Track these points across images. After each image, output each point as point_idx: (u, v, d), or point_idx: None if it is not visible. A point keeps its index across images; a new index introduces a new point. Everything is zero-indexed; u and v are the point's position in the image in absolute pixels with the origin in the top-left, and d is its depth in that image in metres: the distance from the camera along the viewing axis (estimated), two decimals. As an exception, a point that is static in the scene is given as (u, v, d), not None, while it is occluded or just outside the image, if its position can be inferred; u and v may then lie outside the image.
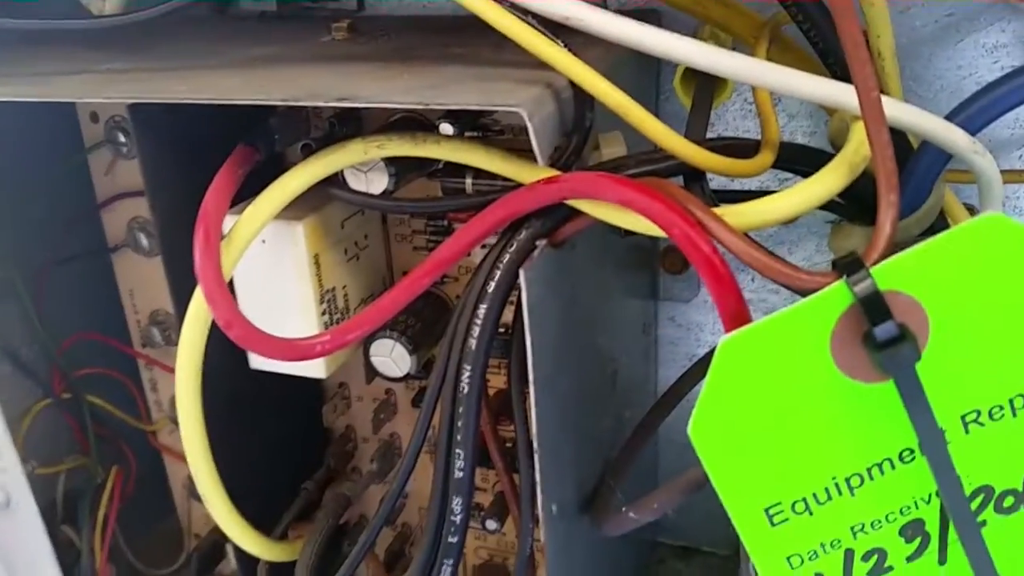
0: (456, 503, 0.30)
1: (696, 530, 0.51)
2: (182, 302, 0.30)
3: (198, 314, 0.29)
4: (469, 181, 0.31)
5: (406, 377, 0.35)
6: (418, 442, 0.31)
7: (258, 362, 0.34)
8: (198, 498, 0.47)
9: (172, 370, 0.43)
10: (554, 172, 0.27)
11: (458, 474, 0.30)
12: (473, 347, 0.28)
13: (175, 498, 0.49)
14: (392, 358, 0.34)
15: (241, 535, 0.35)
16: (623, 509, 0.31)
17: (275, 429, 0.38)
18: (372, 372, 0.39)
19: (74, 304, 0.44)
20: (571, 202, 0.27)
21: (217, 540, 0.48)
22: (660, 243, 0.44)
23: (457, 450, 0.30)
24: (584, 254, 0.32)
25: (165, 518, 0.52)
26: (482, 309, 0.28)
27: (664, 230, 0.24)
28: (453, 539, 0.31)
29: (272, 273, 0.32)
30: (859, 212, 0.32)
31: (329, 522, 0.38)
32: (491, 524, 0.38)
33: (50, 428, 0.43)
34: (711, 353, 0.25)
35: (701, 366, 0.41)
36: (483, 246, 0.29)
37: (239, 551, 0.37)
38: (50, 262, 0.42)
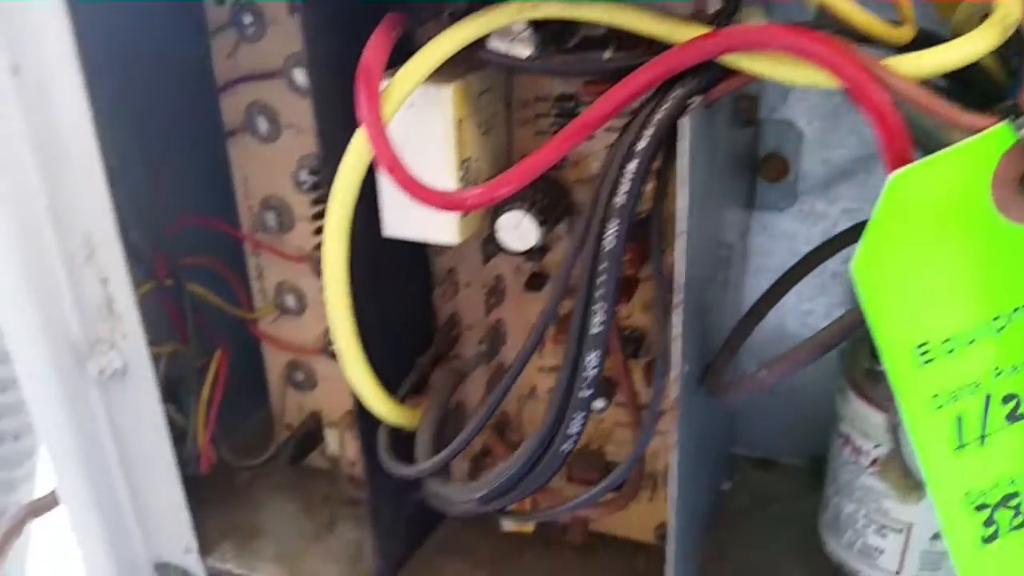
0: (591, 357, 0.31)
1: (773, 441, 0.52)
2: (330, 164, 0.31)
3: (354, 167, 0.31)
4: (608, 54, 0.32)
5: (528, 253, 0.36)
6: (553, 305, 0.32)
7: (393, 228, 0.35)
8: (296, 385, 0.49)
9: (282, 255, 0.45)
10: (709, 29, 0.28)
11: (596, 329, 0.31)
12: (619, 203, 0.30)
13: (270, 388, 0.50)
14: (519, 231, 0.35)
15: (373, 396, 0.36)
16: (756, 371, 0.32)
17: (391, 305, 0.39)
18: (492, 250, 0.40)
19: (186, 189, 0.46)
20: (728, 61, 0.28)
21: (311, 429, 0.50)
22: (760, 150, 0.45)
23: (595, 306, 0.31)
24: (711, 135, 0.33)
25: (256, 411, 0.53)
26: (632, 165, 0.29)
27: (836, 74, 0.25)
28: (585, 393, 0.32)
29: (417, 136, 0.33)
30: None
31: (447, 393, 0.39)
32: (598, 403, 0.40)
33: (151, 312, 0.44)
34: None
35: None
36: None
37: (362, 419, 0.39)
38: (166, 146, 0.43)
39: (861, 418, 0.41)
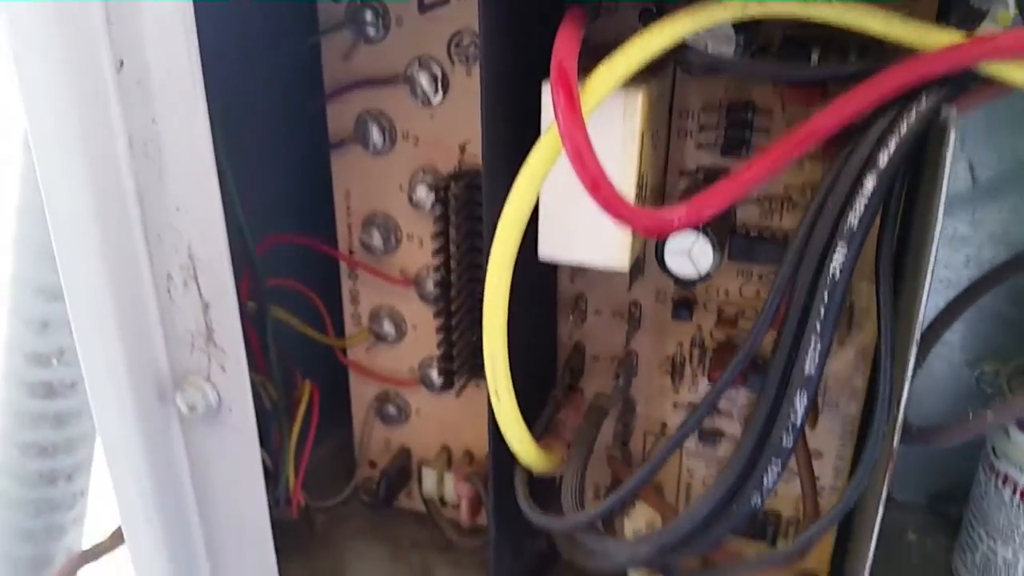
0: (799, 400, 0.28)
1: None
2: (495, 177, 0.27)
3: (534, 178, 0.27)
4: (815, 57, 0.28)
5: (698, 281, 0.32)
6: (759, 334, 0.28)
7: (551, 251, 0.31)
8: (384, 419, 0.45)
9: (385, 277, 0.41)
10: (962, 36, 0.25)
11: (808, 369, 0.27)
12: (851, 226, 0.26)
13: (354, 422, 0.46)
14: (691, 255, 0.32)
15: (522, 439, 0.32)
16: (981, 413, 0.28)
17: (523, 335, 0.35)
18: (636, 274, 0.37)
19: (277, 204, 0.41)
20: (987, 70, 0.25)
21: (403, 465, 0.45)
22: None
23: (813, 339, 0.27)
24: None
25: (330, 446, 0.49)
26: (870, 182, 0.26)
27: None
28: (787, 441, 0.28)
29: (596, 146, 0.29)
30: None
31: (593, 433, 0.35)
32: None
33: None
34: None
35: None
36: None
37: (498, 462, 0.35)
38: (260, 156, 0.39)
39: (1025, 457, 0.37)
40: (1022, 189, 0.40)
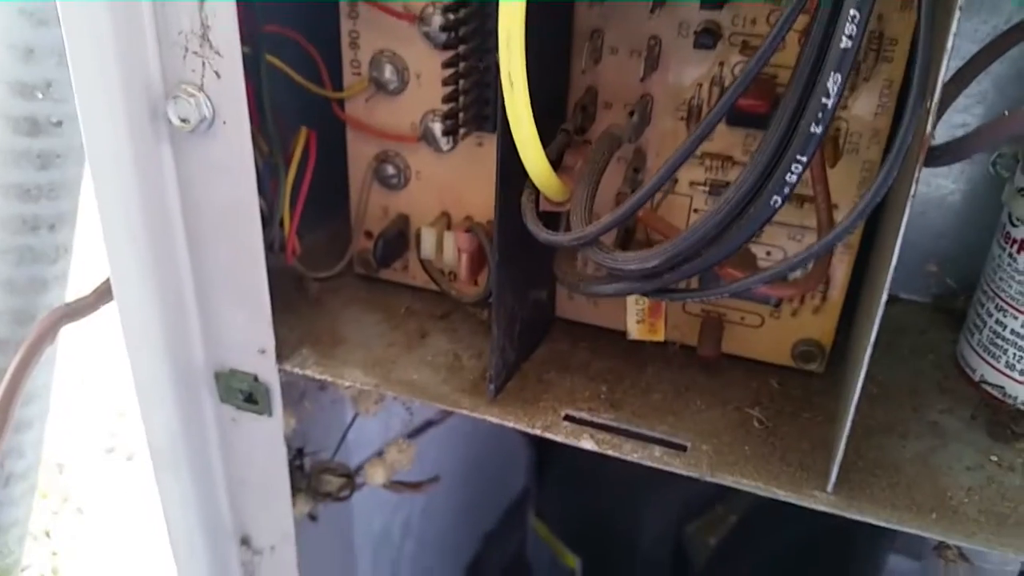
0: (832, 80, 0.26)
1: (895, 277, 0.48)
2: None
3: None
4: None
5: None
6: (782, 29, 0.27)
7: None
8: (383, 181, 0.43)
9: (385, 10, 0.39)
10: None
11: (845, 42, 0.26)
12: None
13: (352, 185, 0.44)
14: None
15: (534, 150, 0.30)
16: (1017, 109, 0.27)
17: (536, 64, 0.33)
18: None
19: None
20: None
21: (401, 231, 0.44)
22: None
23: (852, 10, 0.25)
24: None
25: (326, 218, 0.47)
26: None
27: None
28: (817, 128, 0.27)
29: None
30: None
31: (604, 156, 0.34)
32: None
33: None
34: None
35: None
36: None
37: (505, 184, 0.33)
38: None
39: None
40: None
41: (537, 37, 0.31)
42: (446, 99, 0.38)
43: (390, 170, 0.43)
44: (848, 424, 0.32)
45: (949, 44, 0.26)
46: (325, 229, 0.48)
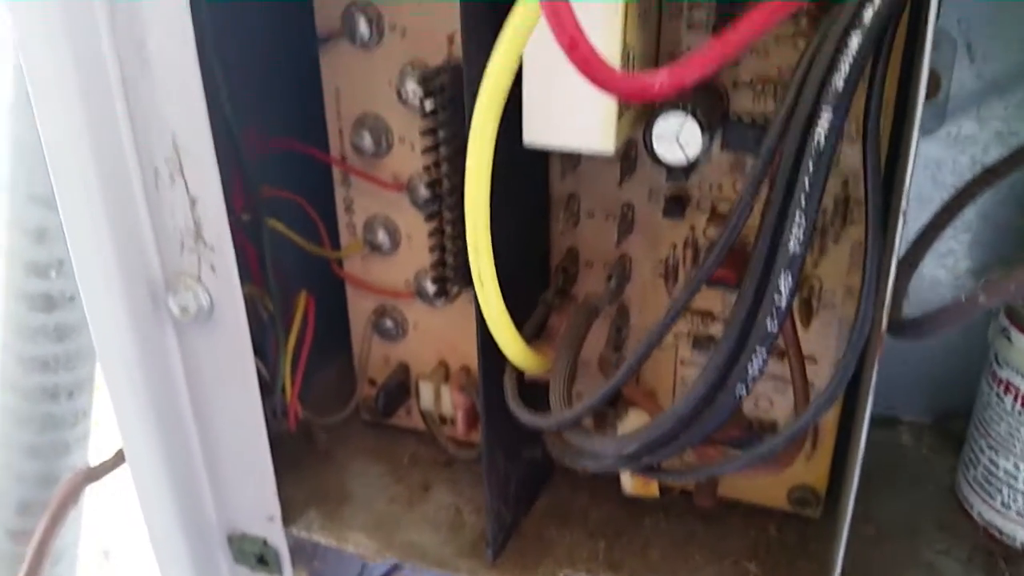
0: (784, 281, 0.27)
1: (894, 397, 0.48)
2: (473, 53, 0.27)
3: (512, 49, 0.26)
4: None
5: (689, 168, 0.31)
6: (740, 215, 0.28)
7: (536, 135, 0.31)
8: (382, 334, 0.45)
9: (377, 182, 0.41)
10: None
11: (793, 246, 0.27)
12: (837, 89, 0.25)
13: (353, 338, 0.46)
14: (680, 140, 0.31)
15: (510, 337, 0.32)
16: (972, 295, 0.27)
17: (513, 235, 0.35)
18: (628, 167, 0.36)
19: (268, 108, 0.41)
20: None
21: (402, 381, 0.45)
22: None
23: (797, 214, 0.26)
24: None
25: (331, 364, 0.49)
26: (854, 40, 0.25)
27: None
28: (772, 325, 0.27)
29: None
30: None
31: (582, 331, 0.35)
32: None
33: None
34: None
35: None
36: None
37: (487, 365, 0.34)
38: (246, 55, 0.39)
39: (1029, 361, 0.36)
40: (1029, 82, 0.39)
41: (515, 208, 0.32)
42: (434, 265, 0.39)
43: (388, 323, 0.44)
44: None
45: (907, 185, 0.27)
46: (332, 369, 0.49)
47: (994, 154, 0.41)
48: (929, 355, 0.47)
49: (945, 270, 0.44)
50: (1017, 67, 0.39)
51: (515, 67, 0.27)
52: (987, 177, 0.38)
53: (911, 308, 0.39)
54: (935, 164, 0.42)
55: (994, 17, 0.38)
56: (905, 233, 0.38)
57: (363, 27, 0.37)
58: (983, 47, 0.39)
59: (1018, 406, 0.37)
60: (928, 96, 0.40)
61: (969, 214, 0.43)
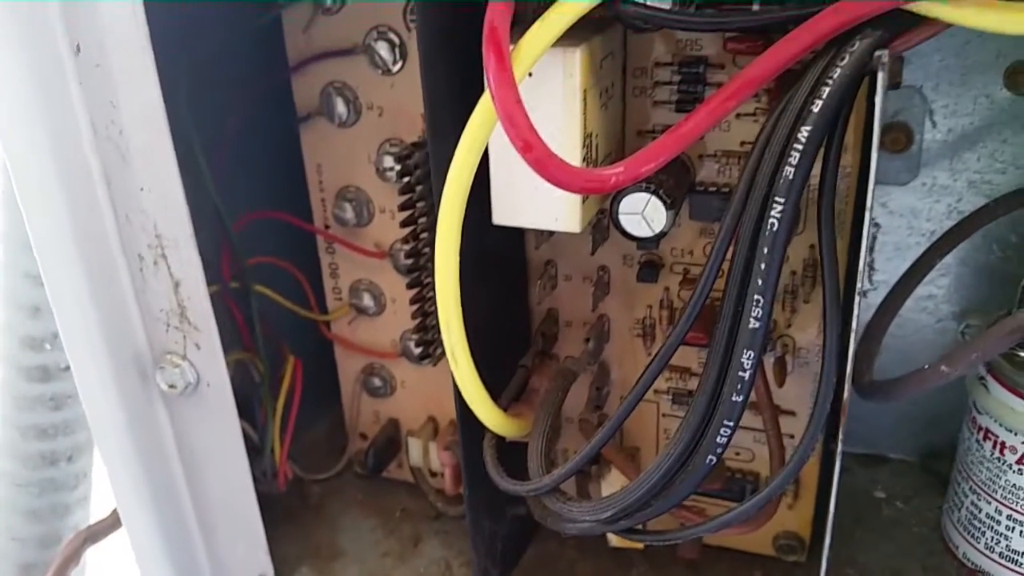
0: (746, 357, 0.28)
1: (880, 437, 0.48)
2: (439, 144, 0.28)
3: (474, 143, 0.27)
4: (755, 6, 0.28)
5: (657, 238, 0.32)
6: (703, 292, 0.28)
7: (504, 216, 0.31)
8: (372, 392, 0.46)
9: (360, 251, 0.41)
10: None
11: (752, 324, 0.27)
12: (788, 177, 0.26)
13: (343, 396, 0.47)
14: (644, 215, 0.32)
15: (483, 405, 0.32)
16: (935, 364, 0.28)
17: (490, 303, 0.35)
18: (600, 238, 0.37)
19: (252, 182, 0.42)
20: (923, 8, 0.24)
21: (392, 436, 0.46)
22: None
23: (755, 296, 0.27)
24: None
25: (323, 420, 0.50)
26: (804, 132, 0.25)
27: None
28: (737, 398, 0.28)
29: (536, 109, 0.29)
30: None
31: (559, 396, 0.35)
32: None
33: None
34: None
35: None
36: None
37: (466, 430, 0.35)
38: (229, 134, 0.40)
39: (1005, 410, 0.37)
40: (998, 133, 0.40)
41: (490, 279, 0.33)
42: (417, 329, 0.40)
43: (377, 381, 0.45)
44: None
45: (862, 261, 0.28)
46: (324, 424, 0.50)
47: (969, 202, 0.41)
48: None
49: (927, 314, 0.45)
50: (984, 120, 0.40)
51: (476, 163, 0.28)
52: (954, 237, 0.39)
53: (893, 354, 0.40)
54: (911, 213, 0.43)
55: (962, 72, 0.39)
56: (885, 279, 0.39)
57: (341, 107, 0.38)
58: (952, 101, 0.40)
59: (997, 453, 0.38)
60: (901, 149, 0.41)
61: (948, 259, 0.44)
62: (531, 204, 0.31)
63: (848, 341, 0.28)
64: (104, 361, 0.37)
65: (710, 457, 0.29)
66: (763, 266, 0.27)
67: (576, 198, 0.30)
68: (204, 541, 0.42)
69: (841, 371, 0.28)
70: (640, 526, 0.32)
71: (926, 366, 0.29)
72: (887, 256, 0.44)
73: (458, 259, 0.29)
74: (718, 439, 0.29)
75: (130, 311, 0.36)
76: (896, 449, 0.48)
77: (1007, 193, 0.39)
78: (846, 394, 0.29)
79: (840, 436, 0.30)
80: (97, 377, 0.38)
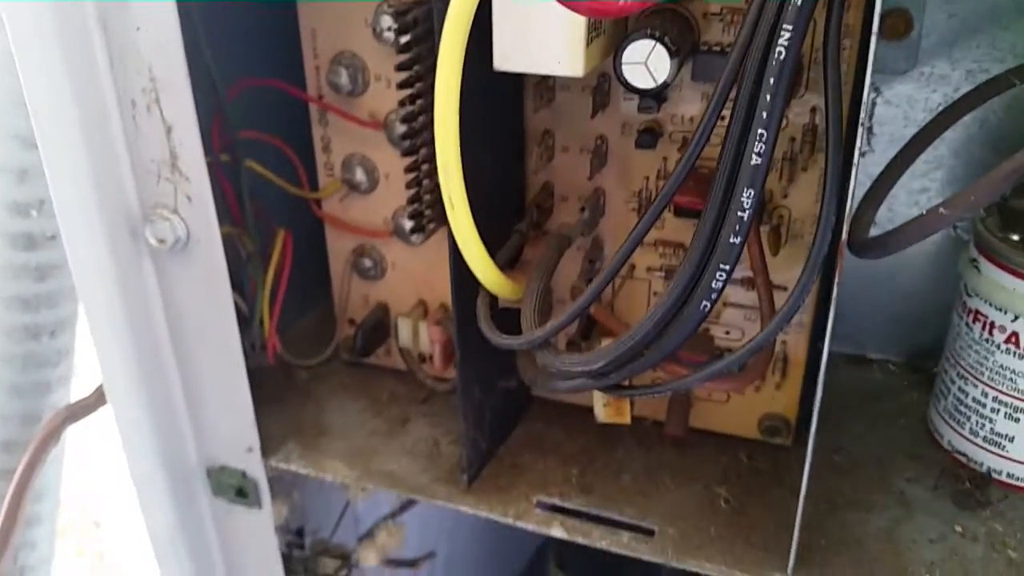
0: (746, 196, 0.27)
1: (865, 337, 0.49)
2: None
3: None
4: None
5: (648, 98, 0.32)
6: (703, 134, 0.28)
7: (507, 61, 0.31)
8: (361, 273, 0.45)
9: (354, 120, 0.41)
10: None
11: (755, 160, 0.27)
12: (799, 3, 0.25)
13: (333, 278, 0.46)
14: (648, 64, 0.31)
15: (482, 261, 0.32)
16: (933, 208, 0.28)
17: (487, 166, 0.35)
18: (601, 101, 0.36)
19: (245, 48, 0.41)
20: None
21: (381, 320, 0.46)
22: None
23: (759, 130, 0.27)
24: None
25: (312, 307, 0.50)
26: (814, -45, 0.25)
27: None
28: (735, 239, 0.28)
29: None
30: None
31: (554, 261, 0.35)
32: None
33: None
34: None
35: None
36: None
37: (460, 292, 0.35)
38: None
39: (996, 288, 0.37)
40: (998, 20, 0.39)
41: (489, 139, 0.33)
42: (410, 200, 0.40)
43: (367, 263, 0.45)
44: (800, 509, 0.33)
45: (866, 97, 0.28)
46: (314, 313, 0.50)
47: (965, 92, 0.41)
48: (900, 295, 0.47)
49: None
50: (988, 7, 0.39)
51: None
52: (947, 118, 0.39)
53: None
54: (907, 103, 0.43)
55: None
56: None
57: (337, -39, 0.37)
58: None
59: (986, 334, 0.38)
60: (900, 36, 0.41)
61: (942, 151, 0.44)
62: (534, 47, 0.30)
63: (848, 184, 0.28)
64: (94, 214, 0.37)
65: (704, 303, 0.29)
66: (768, 97, 0.26)
67: (579, 40, 0.30)
68: (189, 411, 0.41)
69: (841, 209, 0.28)
70: (628, 382, 0.33)
71: (924, 212, 0.29)
72: (882, 148, 0.44)
73: (459, 94, 0.29)
74: (713, 284, 0.29)
75: (121, 161, 0.36)
76: (884, 350, 0.49)
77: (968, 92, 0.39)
78: (844, 235, 0.29)
79: (836, 282, 0.30)
80: (86, 231, 0.37)
